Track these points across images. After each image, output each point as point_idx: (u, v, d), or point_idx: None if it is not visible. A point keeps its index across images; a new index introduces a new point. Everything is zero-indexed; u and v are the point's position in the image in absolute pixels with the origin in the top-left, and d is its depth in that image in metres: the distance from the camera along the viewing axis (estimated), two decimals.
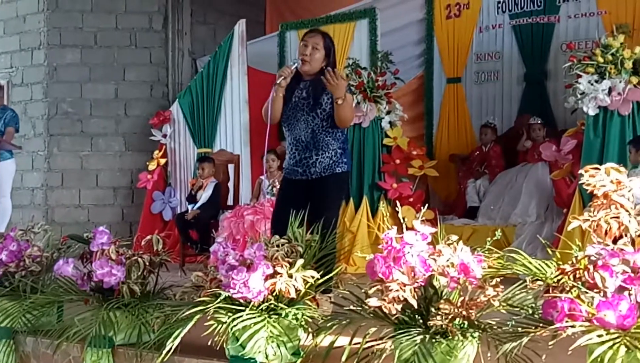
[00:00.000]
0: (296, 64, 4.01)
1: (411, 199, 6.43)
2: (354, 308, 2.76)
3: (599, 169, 2.51)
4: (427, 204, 3.23)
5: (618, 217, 2.40)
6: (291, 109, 4.06)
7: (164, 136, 8.26)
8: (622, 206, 2.41)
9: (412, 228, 2.61)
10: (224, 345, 2.98)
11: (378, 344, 2.63)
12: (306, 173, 4.07)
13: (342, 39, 7.33)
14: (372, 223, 6.30)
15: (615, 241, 2.40)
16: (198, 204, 6.95)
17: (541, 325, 2.37)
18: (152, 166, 8.23)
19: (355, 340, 2.65)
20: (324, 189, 4.02)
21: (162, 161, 8.22)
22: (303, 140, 4.04)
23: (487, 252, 2.66)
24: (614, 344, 2.18)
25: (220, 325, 2.89)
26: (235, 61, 7.79)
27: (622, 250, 2.33)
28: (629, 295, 2.27)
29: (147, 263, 3.45)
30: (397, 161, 6.62)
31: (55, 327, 3.62)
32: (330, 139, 4.04)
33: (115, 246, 3.47)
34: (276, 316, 2.94)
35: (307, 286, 2.97)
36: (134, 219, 8.40)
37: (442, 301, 2.57)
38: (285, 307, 2.96)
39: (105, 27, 8.53)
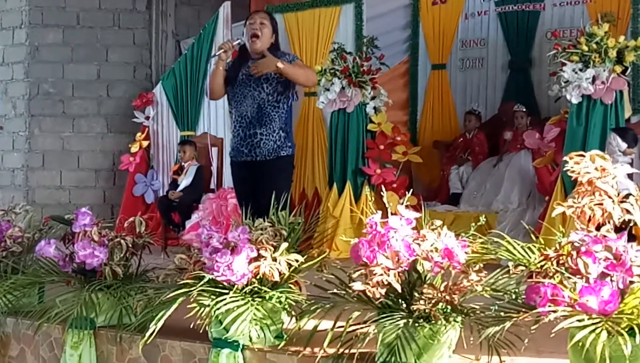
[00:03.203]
0: (239, 40, 4.10)
1: (395, 185, 6.43)
2: (338, 292, 2.76)
3: (583, 156, 2.52)
4: (412, 190, 3.23)
5: (602, 204, 2.41)
6: (237, 86, 4.15)
7: (147, 118, 8.19)
8: (606, 193, 2.43)
9: (396, 213, 2.62)
10: (207, 328, 2.97)
11: (361, 328, 2.64)
12: (252, 154, 4.13)
13: (327, 23, 7.29)
14: (356, 208, 6.30)
15: (598, 228, 2.42)
16: (180, 188, 6.92)
17: (524, 309, 2.39)
18: (134, 148, 8.16)
19: (339, 323, 2.66)
20: (270, 173, 4.07)
21: (145, 143, 8.15)
22: (248, 116, 4.11)
23: (471, 237, 2.67)
24: (595, 329, 2.20)
25: (203, 308, 2.89)
26: (219, 43, 7.72)
27: (605, 236, 2.35)
28: (611, 281, 2.29)
29: (130, 245, 3.44)
30: (381, 147, 6.61)
31: (36, 307, 3.61)
32: (274, 115, 4.10)
33: (97, 227, 3.45)
34: (260, 300, 2.94)
35: (290, 270, 2.98)
36: (116, 202, 8.34)
37: (425, 285, 2.59)
38: (269, 290, 2.96)
39: (88, 7, 8.41)
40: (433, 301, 2.52)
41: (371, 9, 7.26)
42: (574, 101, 5.52)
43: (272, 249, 2.95)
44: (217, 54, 4.10)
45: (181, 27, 8.83)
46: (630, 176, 4.35)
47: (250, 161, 4.13)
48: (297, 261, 2.97)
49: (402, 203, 2.67)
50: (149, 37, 8.59)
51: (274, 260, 2.93)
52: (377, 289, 2.55)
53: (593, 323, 2.21)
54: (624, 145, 5.30)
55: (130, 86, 8.49)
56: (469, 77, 7.57)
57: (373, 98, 6.65)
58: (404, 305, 2.61)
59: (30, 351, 3.65)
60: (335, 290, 2.78)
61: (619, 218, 2.43)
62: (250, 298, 2.93)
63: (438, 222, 2.67)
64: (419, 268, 2.64)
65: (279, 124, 4.11)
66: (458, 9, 7.51)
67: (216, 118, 7.75)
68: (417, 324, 2.53)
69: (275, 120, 4.10)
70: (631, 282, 2.28)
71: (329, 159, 6.75)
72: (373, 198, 3.00)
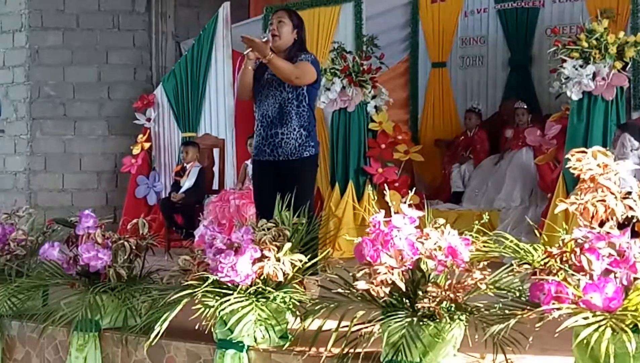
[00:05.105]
0: (266, 38, 4.08)
1: (396, 184, 6.44)
2: (342, 291, 2.77)
3: (585, 152, 2.52)
4: (415, 189, 3.23)
5: (604, 200, 2.41)
6: (262, 87, 4.15)
7: (148, 120, 8.20)
8: (608, 189, 2.43)
9: (399, 212, 2.62)
10: (212, 329, 2.98)
11: (366, 327, 2.64)
12: (274, 153, 4.12)
13: (327, 22, 7.29)
14: (358, 208, 6.31)
15: (601, 225, 2.42)
16: (183, 189, 6.93)
17: (528, 307, 2.38)
18: (136, 150, 8.18)
19: (343, 323, 2.66)
20: (293, 174, 4.06)
21: (146, 145, 8.17)
22: (270, 115, 4.12)
23: (474, 235, 2.67)
24: (599, 326, 2.20)
25: (208, 309, 2.89)
26: (219, 44, 7.75)
27: (608, 233, 2.35)
28: (615, 277, 2.29)
29: (134, 247, 3.44)
30: (383, 146, 6.62)
31: (40, 310, 3.61)
32: (293, 113, 4.09)
33: (101, 229, 3.45)
34: (264, 300, 2.94)
35: (294, 270, 2.98)
36: (118, 204, 8.35)
37: (429, 284, 2.59)
38: (273, 291, 2.96)
39: (87, 10, 8.42)
40: (437, 300, 2.52)
41: (371, 8, 7.27)
42: (575, 97, 5.53)
43: (276, 249, 2.96)
44: (245, 53, 4.08)
45: (181, 28, 8.83)
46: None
47: (273, 161, 4.13)
48: (300, 261, 2.98)
49: (404, 202, 2.68)
50: (148, 38, 8.60)
51: (278, 260, 2.93)
52: (381, 288, 2.55)
53: (597, 321, 2.21)
54: (637, 143, 5.28)
55: (131, 87, 8.50)
56: (469, 75, 7.58)
57: (374, 97, 6.66)
58: (408, 304, 2.61)
59: (36, 354, 3.66)
60: (339, 290, 2.78)
61: (622, 215, 2.43)
62: (254, 299, 2.93)
63: (441, 221, 2.67)
64: (423, 266, 2.64)
65: (299, 122, 4.09)
66: (457, 6, 7.52)
67: (217, 119, 7.76)
68: (421, 323, 2.52)
69: (293, 118, 4.09)
70: (635, 279, 2.28)
71: (330, 159, 6.75)
72: (376, 197, 3.00)
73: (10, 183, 8.53)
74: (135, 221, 3.55)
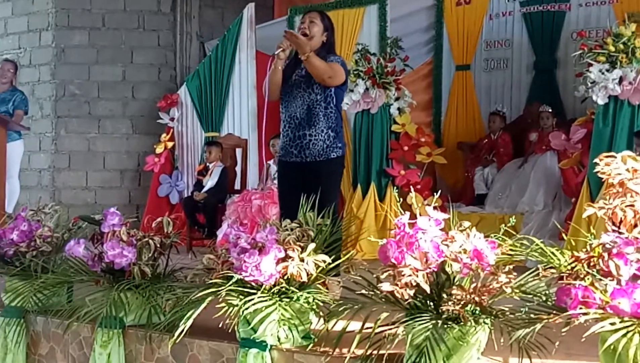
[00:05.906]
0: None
1: (419, 186, 6.42)
2: (366, 292, 2.76)
3: (614, 157, 2.50)
4: (439, 192, 3.22)
5: (633, 205, 2.39)
6: (289, 87, 4.15)
7: (172, 119, 8.25)
8: (637, 194, 2.41)
9: (422, 214, 2.61)
10: (235, 328, 2.99)
11: (390, 329, 2.63)
12: (301, 155, 4.12)
13: (351, 24, 7.30)
14: (381, 209, 6.30)
15: (630, 230, 2.40)
16: (205, 189, 6.95)
17: (554, 312, 2.37)
18: (159, 149, 8.23)
19: (367, 324, 2.65)
20: (321, 175, 4.05)
21: (170, 144, 8.22)
22: (298, 117, 4.11)
23: (502, 237, 2.65)
24: (627, 332, 2.18)
25: (231, 308, 2.90)
26: (243, 45, 7.77)
27: (637, 238, 2.33)
28: None
29: (158, 245, 3.46)
30: (405, 148, 6.60)
31: (65, 307, 3.64)
32: (321, 115, 4.09)
33: (126, 227, 3.48)
34: (287, 300, 2.95)
35: (318, 271, 2.98)
36: (141, 202, 8.41)
37: (454, 287, 2.57)
38: (297, 291, 2.97)
39: (113, 9, 8.51)
40: (462, 303, 2.51)
41: (395, 10, 7.26)
42: (600, 101, 5.48)
43: (300, 249, 2.96)
44: (275, 53, 4.07)
45: (205, 28, 8.89)
46: None
47: (300, 163, 4.13)
48: (324, 262, 2.98)
49: (427, 204, 2.67)
50: (173, 38, 8.66)
51: (302, 260, 2.93)
52: (405, 290, 2.54)
53: (625, 327, 2.19)
54: None
55: (155, 87, 8.56)
56: (493, 78, 7.55)
57: (397, 99, 6.65)
58: (433, 306, 2.60)
59: (60, 349, 3.69)
60: (363, 291, 2.78)
61: None
62: (278, 299, 2.93)
63: (467, 223, 2.66)
64: (448, 269, 2.63)
65: (327, 124, 4.09)
66: (482, 9, 7.49)
67: (240, 119, 7.79)
68: (446, 325, 2.51)
69: (321, 119, 4.09)
70: None
71: (352, 160, 6.75)
72: (400, 200, 2.99)
73: (34, 180, 8.62)
74: (159, 219, 3.57)
